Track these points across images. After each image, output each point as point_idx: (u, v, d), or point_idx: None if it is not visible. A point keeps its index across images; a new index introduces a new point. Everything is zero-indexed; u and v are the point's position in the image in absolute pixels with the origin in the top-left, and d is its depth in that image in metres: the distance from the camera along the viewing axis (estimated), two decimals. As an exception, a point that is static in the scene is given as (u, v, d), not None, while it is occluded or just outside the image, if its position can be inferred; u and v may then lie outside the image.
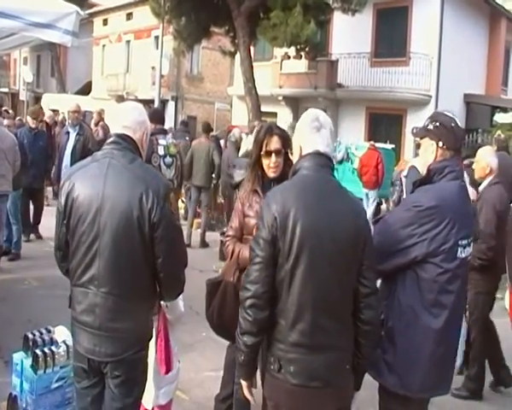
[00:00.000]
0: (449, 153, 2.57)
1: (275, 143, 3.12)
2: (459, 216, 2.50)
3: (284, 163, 3.14)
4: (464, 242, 2.51)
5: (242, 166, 3.63)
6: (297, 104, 20.89)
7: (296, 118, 20.82)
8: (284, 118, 20.20)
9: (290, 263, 2.07)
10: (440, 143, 2.56)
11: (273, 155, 3.10)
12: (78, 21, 4.06)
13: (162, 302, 2.69)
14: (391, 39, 18.05)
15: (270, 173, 3.14)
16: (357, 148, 13.94)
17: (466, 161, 7.23)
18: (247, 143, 5.63)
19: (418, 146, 2.74)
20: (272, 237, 2.07)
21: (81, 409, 2.58)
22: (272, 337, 2.15)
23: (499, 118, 17.51)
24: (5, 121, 7.65)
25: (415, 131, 2.72)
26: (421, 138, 2.66)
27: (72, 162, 6.91)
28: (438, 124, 2.58)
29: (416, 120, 13.00)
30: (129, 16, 29.86)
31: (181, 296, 2.90)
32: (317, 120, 2.26)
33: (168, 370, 2.88)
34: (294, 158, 2.35)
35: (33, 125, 7.97)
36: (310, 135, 2.25)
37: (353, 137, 15.90)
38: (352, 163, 14.01)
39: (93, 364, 2.43)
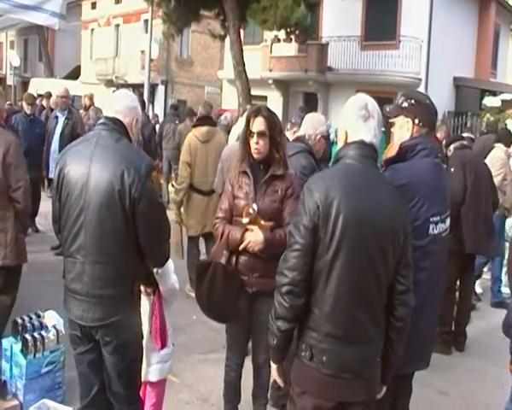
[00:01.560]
0: (424, 130, 2.61)
1: (258, 124, 3.12)
2: (430, 193, 2.52)
3: (272, 147, 3.14)
4: (437, 218, 2.53)
5: None
6: (287, 88, 20.82)
7: (286, 101, 20.82)
8: (274, 101, 20.16)
9: (330, 254, 2.05)
10: (416, 121, 2.59)
11: (255, 136, 3.11)
12: (65, 4, 4.03)
13: (154, 270, 2.81)
14: (381, 23, 17.93)
15: (254, 154, 3.15)
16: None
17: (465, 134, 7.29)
18: (238, 128, 5.53)
19: (391, 125, 2.72)
20: (314, 225, 2.05)
21: (80, 374, 2.75)
22: (305, 325, 2.14)
23: (488, 101, 17.60)
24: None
25: (388, 109, 2.70)
26: (395, 117, 2.67)
27: (61, 147, 6.79)
28: (413, 101, 2.61)
29: (405, 103, 13.00)
30: (117, 0, 29.48)
31: (173, 268, 3.00)
32: (365, 108, 2.21)
33: (163, 345, 2.93)
34: (339, 142, 2.32)
35: (29, 111, 7.74)
36: (356, 123, 2.21)
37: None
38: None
39: (84, 330, 2.60)
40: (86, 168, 2.52)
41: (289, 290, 2.07)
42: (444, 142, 7.31)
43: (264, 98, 20.59)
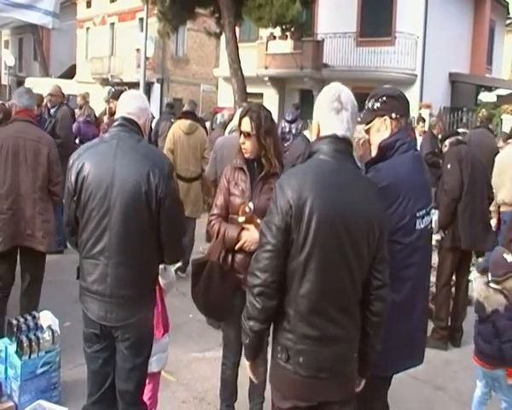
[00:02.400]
0: (402, 121, 2.55)
1: (244, 124, 3.16)
2: (414, 188, 2.48)
3: (260, 147, 3.14)
4: (422, 212, 2.50)
5: None
6: (283, 85, 20.79)
7: (282, 99, 20.79)
8: (270, 99, 20.13)
9: (304, 255, 2.00)
10: (393, 115, 2.51)
11: (241, 135, 3.16)
12: (58, 2, 4.00)
13: (160, 266, 2.87)
14: (376, 19, 17.92)
15: (244, 153, 3.20)
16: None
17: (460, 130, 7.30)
18: (232, 124, 5.65)
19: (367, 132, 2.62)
20: (286, 225, 1.99)
21: (92, 372, 2.77)
22: (280, 326, 2.10)
23: (484, 97, 17.63)
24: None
25: (359, 118, 2.51)
26: (369, 122, 2.57)
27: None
28: (385, 98, 2.54)
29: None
30: (112, -2, 29.41)
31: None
32: (337, 100, 2.11)
33: (165, 331, 3.08)
34: (312, 134, 2.25)
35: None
36: (328, 116, 2.12)
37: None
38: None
39: (105, 329, 2.64)
40: (110, 169, 2.54)
41: (261, 292, 2.02)
42: (439, 137, 7.30)
43: (260, 96, 20.55)
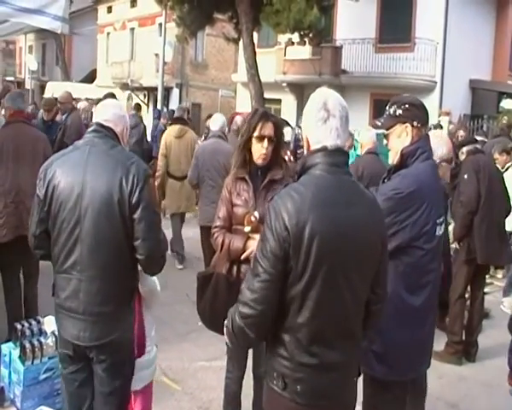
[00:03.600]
0: (423, 130, 2.59)
1: (269, 128, 3.04)
2: (435, 196, 2.54)
3: (272, 153, 3.07)
4: (440, 220, 2.56)
5: None
6: (301, 91, 20.70)
7: (300, 105, 20.70)
8: (288, 105, 20.08)
9: (303, 283, 1.83)
10: (415, 123, 2.55)
11: (266, 140, 3.02)
12: (67, 7, 4.01)
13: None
14: (395, 25, 17.77)
15: (259, 160, 3.06)
16: (360, 134, 13.79)
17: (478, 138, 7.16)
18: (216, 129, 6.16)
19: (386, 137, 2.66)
20: (284, 253, 1.81)
21: (69, 393, 2.63)
22: (276, 353, 1.94)
23: (506, 104, 17.31)
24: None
25: (379, 123, 2.65)
26: (391, 127, 2.61)
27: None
28: (407, 106, 2.57)
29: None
30: (133, 3, 29.69)
31: (157, 281, 2.87)
32: (323, 108, 1.93)
33: (140, 353, 2.77)
34: (305, 149, 2.08)
35: (46, 117, 7.36)
36: (315, 127, 1.95)
37: (358, 123, 15.71)
38: (355, 150, 13.88)
39: (78, 349, 2.47)
40: (80, 177, 2.39)
41: (256, 322, 1.87)
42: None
43: (279, 101, 20.55)
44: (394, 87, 16.76)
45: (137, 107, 11.15)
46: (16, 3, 3.80)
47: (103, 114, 2.58)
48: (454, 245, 5.10)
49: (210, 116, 12.90)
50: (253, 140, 3.05)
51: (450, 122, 12.84)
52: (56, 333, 3.52)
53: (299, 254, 1.82)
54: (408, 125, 2.55)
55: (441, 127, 10.19)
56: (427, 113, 2.66)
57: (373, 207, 2.01)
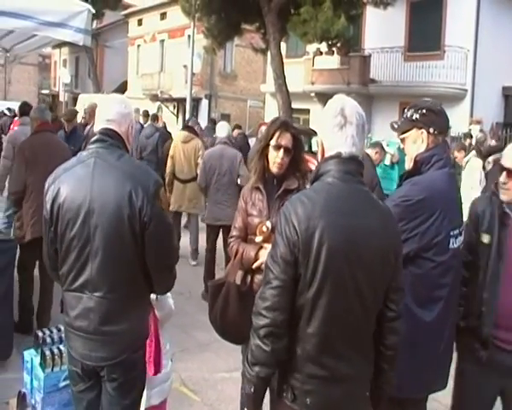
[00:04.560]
0: (440, 137, 2.49)
1: (287, 139, 3.02)
2: (449, 206, 2.42)
3: (290, 164, 3.05)
4: (456, 232, 2.42)
5: None
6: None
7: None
8: (317, 114, 20.02)
9: (312, 292, 1.80)
10: (431, 130, 2.46)
11: (282, 150, 3.00)
12: (89, 20, 4.07)
13: (152, 296, 2.64)
14: (425, 33, 17.56)
15: (274, 168, 3.04)
16: (389, 144, 13.63)
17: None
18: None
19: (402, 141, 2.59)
20: (294, 258, 1.79)
21: None
22: (285, 364, 1.90)
23: (540, 112, 16.88)
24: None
25: (395, 125, 2.58)
26: (406, 132, 2.54)
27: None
28: (424, 111, 2.48)
29: (451, 114, 12.53)
30: (163, 16, 30.19)
31: (169, 294, 2.85)
32: (340, 114, 1.90)
33: (157, 371, 2.78)
34: (318, 153, 2.05)
35: (67, 128, 7.60)
36: (331, 133, 1.92)
37: (386, 133, 15.55)
38: (383, 160, 13.71)
39: (87, 367, 2.38)
40: (87, 193, 2.26)
41: (270, 332, 1.80)
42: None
43: (307, 111, 20.52)
44: (424, 96, 16.36)
45: (154, 117, 11.19)
46: (41, 18, 3.90)
47: (106, 113, 2.42)
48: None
49: (236, 126, 13.15)
50: (270, 148, 3.04)
51: (481, 131, 12.59)
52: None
53: (308, 260, 1.79)
54: (424, 131, 2.47)
55: (471, 136, 9.98)
56: (447, 120, 2.57)
57: (387, 220, 1.94)
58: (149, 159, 8.95)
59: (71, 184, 2.32)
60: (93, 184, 2.27)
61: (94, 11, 4.19)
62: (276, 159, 3.01)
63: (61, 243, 2.34)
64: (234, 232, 3.16)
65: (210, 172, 6.31)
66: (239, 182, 6.32)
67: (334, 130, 1.91)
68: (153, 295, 2.63)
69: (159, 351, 2.77)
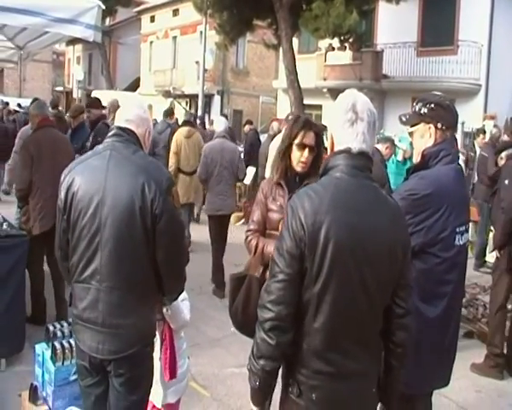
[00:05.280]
0: (448, 133, 2.47)
1: (311, 138, 3.04)
2: (456, 202, 2.40)
3: (312, 162, 3.06)
4: (462, 228, 2.42)
5: None
6: (342, 97, 20.51)
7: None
8: (329, 110, 19.92)
9: (318, 286, 1.79)
10: (439, 125, 2.45)
11: (307, 149, 3.02)
12: (100, 16, 4.08)
13: (164, 310, 2.66)
14: (438, 27, 17.39)
15: (298, 167, 3.06)
16: (401, 140, 13.54)
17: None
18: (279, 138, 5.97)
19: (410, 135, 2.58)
20: (300, 252, 1.78)
21: (86, 408, 2.56)
22: (292, 359, 1.89)
23: (556, 107, 16.65)
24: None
25: (404, 119, 2.57)
26: (414, 125, 2.53)
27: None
28: (433, 105, 2.46)
29: (465, 110, 12.51)
30: (175, 12, 30.24)
31: (188, 305, 2.88)
32: (351, 110, 1.88)
33: (172, 377, 2.82)
34: (328, 149, 2.03)
35: (73, 125, 7.39)
36: (342, 128, 1.90)
37: (398, 129, 15.45)
38: (395, 155, 13.63)
39: (94, 361, 2.38)
40: (101, 184, 2.29)
41: (275, 326, 1.80)
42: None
43: (319, 107, 20.43)
44: (437, 91, 16.43)
45: (167, 112, 11.18)
46: (51, 14, 3.92)
47: (126, 114, 2.47)
48: (494, 253, 4.93)
49: (248, 122, 13.18)
50: (294, 147, 3.05)
51: (495, 126, 12.45)
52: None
53: (314, 255, 1.78)
54: (431, 125, 2.46)
55: (485, 132, 9.88)
56: (456, 116, 2.55)
57: (395, 216, 1.92)
58: (161, 154, 9.00)
59: (85, 174, 2.36)
60: (107, 176, 2.30)
61: (104, 7, 4.20)
62: (300, 158, 3.04)
63: (73, 232, 2.36)
64: (252, 226, 3.18)
65: (212, 164, 6.57)
66: (239, 175, 6.82)
67: (344, 125, 1.90)
68: (165, 309, 2.65)
69: (174, 358, 2.80)
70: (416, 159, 2.55)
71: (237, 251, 7.78)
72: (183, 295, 2.77)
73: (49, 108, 12.01)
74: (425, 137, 2.48)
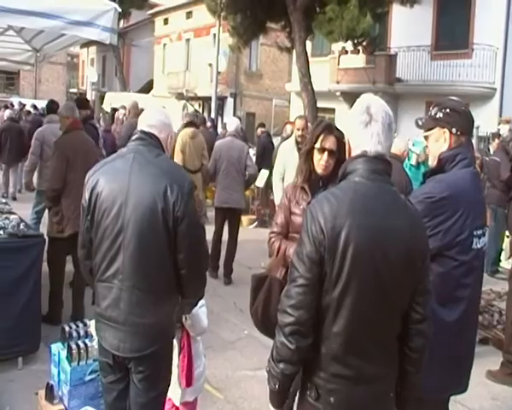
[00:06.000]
0: (464, 138, 2.46)
1: (331, 142, 3.06)
2: (473, 205, 2.40)
3: (335, 166, 3.06)
4: (479, 232, 2.41)
5: None
6: (355, 100, 19.40)
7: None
8: (342, 114, 19.89)
9: (338, 291, 1.79)
10: (454, 130, 2.44)
11: (326, 153, 3.05)
12: (116, 18, 4.12)
13: (183, 319, 2.71)
14: (452, 31, 17.30)
15: (319, 169, 3.09)
16: (415, 144, 13.46)
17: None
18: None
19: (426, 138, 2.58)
20: (320, 257, 1.79)
21: (107, 404, 2.62)
22: (310, 362, 1.90)
23: None
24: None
25: (420, 123, 2.57)
26: (430, 129, 2.53)
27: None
28: (448, 110, 2.46)
29: (479, 114, 12.39)
30: (188, 15, 30.37)
31: (205, 311, 2.91)
32: (366, 112, 1.89)
33: (188, 385, 2.87)
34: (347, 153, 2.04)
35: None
36: (357, 131, 1.91)
37: (412, 132, 15.37)
38: (409, 159, 13.57)
39: (118, 359, 2.45)
40: (124, 185, 2.36)
41: (295, 331, 1.80)
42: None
43: (332, 111, 20.39)
44: (451, 95, 16.28)
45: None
46: (69, 17, 3.96)
47: (148, 119, 2.55)
48: (511, 260, 4.88)
49: (261, 125, 13.22)
50: (315, 151, 3.10)
51: (510, 130, 12.33)
52: (102, 336, 3.63)
53: (333, 259, 1.78)
54: (446, 130, 2.46)
55: (499, 136, 9.78)
56: (471, 121, 2.54)
57: (414, 221, 1.92)
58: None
59: (110, 175, 2.43)
60: (131, 177, 2.37)
61: (120, 10, 4.23)
62: (320, 161, 3.07)
63: (96, 231, 2.43)
64: (275, 228, 3.22)
65: (220, 160, 7.10)
66: (247, 172, 7.19)
67: (359, 128, 1.90)
68: (184, 318, 2.70)
69: (190, 366, 2.85)
70: (433, 163, 2.54)
71: (250, 253, 7.82)
72: (201, 301, 2.80)
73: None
74: (440, 142, 2.48)
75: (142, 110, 9.60)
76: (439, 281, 2.33)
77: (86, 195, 2.46)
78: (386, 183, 1.90)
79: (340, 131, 3.14)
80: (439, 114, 2.47)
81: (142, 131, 2.51)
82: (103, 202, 2.39)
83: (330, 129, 3.08)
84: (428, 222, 2.30)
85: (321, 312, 1.84)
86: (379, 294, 1.82)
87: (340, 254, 1.78)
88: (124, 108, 11.36)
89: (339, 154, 3.04)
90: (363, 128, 1.89)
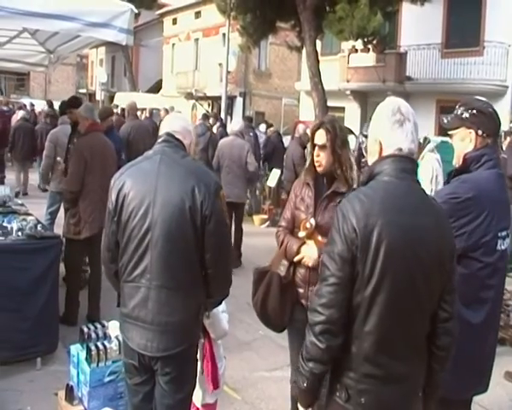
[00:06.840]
0: (489, 140, 2.45)
1: (319, 136, 3.09)
2: (497, 206, 2.39)
3: (334, 161, 3.07)
4: (504, 233, 2.40)
5: None
6: (365, 98, 20.41)
7: (364, 113, 20.42)
8: (352, 112, 19.85)
9: (370, 289, 1.80)
10: (480, 132, 2.43)
11: (316, 148, 3.08)
12: (132, 19, 4.13)
13: (204, 318, 2.70)
14: (463, 28, 17.15)
15: (316, 167, 3.12)
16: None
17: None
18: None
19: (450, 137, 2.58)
20: (352, 255, 1.80)
21: (133, 405, 2.63)
22: (340, 363, 1.90)
23: None
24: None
25: (446, 121, 2.56)
26: (455, 128, 2.51)
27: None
28: (475, 111, 2.45)
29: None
30: (197, 15, 30.36)
31: (226, 317, 2.94)
32: (398, 112, 1.93)
33: (215, 388, 2.90)
34: (370, 155, 2.03)
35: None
36: (391, 130, 1.93)
37: (422, 131, 15.26)
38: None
39: (143, 360, 2.46)
40: (152, 185, 2.38)
41: (325, 330, 1.82)
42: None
43: (342, 109, 20.34)
44: (462, 93, 16.13)
45: (205, 116, 11.50)
46: (85, 19, 3.97)
47: (172, 126, 2.59)
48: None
49: (269, 125, 13.32)
50: (312, 149, 3.16)
51: (521, 128, 12.23)
52: (119, 338, 3.65)
53: (366, 257, 1.79)
54: (472, 131, 2.45)
55: (511, 134, 9.71)
56: (498, 123, 2.52)
57: (442, 220, 1.94)
58: (200, 157, 9.23)
59: (137, 176, 2.46)
60: (158, 178, 2.40)
61: (136, 11, 4.24)
62: (314, 157, 3.11)
63: (123, 232, 2.44)
64: (282, 223, 3.27)
65: (222, 157, 7.64)
66: (249, 168, 7.58)
67: (394, 127, 1.93)
68: (206, 319, 2.71)
69: (215, 370, 2.87)
70: (457, 162, 2.54)
71: (263, 253, 7.80)
72: (223, 306, 2.84)
73: (46, 107, 12.67)
74: (465, 142, 2.48)
75: (167, 111, 9.87)
76: (464, 283, 2.31)
77: (113, 197, 2.47)
78: (414, 181, 1.93)
79: (333, 125, 3.10)
80: (466, 114, 2.46)
81: (168, 134, 2.54)
82: (130, 203, 2.41)
83: (320, 124, 3.12)
84: (453, 223, 2.29)
85: (352, 311, 1.84)
86: (411, 292, 1.82)
87: (372, 253, 1.79)
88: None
89: (333, 147, 3.04)
90: (398, 127, 1.92)
